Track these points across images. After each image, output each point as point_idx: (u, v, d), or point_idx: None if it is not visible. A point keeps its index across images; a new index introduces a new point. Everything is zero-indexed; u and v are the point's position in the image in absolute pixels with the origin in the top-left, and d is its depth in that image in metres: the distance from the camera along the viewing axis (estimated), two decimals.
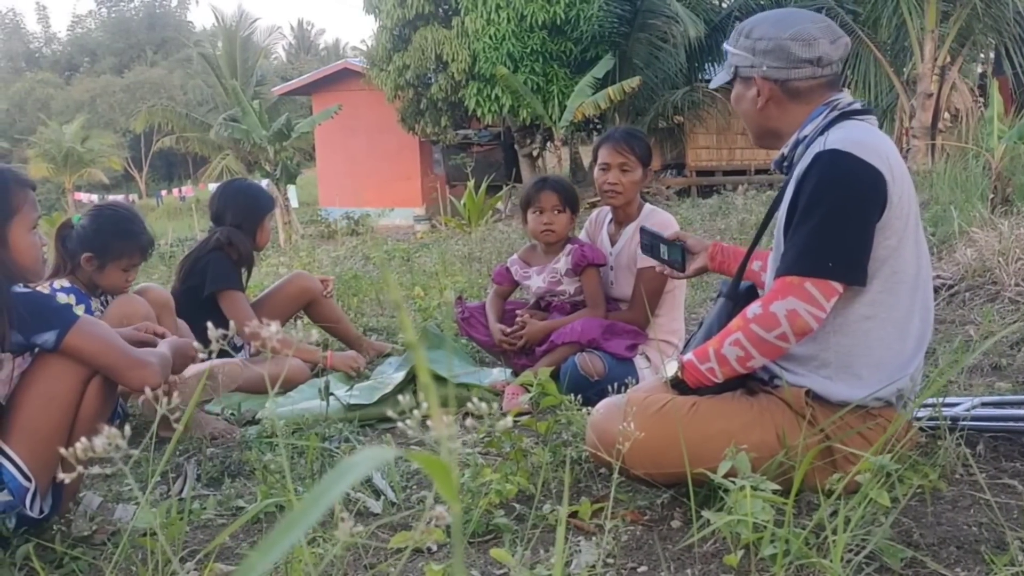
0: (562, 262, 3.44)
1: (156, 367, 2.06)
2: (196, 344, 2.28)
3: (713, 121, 18.15)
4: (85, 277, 3.03)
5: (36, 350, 1.99)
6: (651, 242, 2.84)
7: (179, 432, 1.08)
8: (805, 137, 2.07)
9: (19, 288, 1.98)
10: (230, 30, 23.76)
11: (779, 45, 2.06)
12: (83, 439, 0.91)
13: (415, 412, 0.69)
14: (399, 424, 0.74)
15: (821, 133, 2.03)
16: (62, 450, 0.95)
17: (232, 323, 1.16)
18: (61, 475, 1.01)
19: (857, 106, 2.09)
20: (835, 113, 2.06)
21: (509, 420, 0.91)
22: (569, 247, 3.45)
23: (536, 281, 3.51)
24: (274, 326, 0.96)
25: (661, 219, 3.33)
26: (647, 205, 3.41)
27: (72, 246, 3.02)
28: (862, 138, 1.97)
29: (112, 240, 3.00)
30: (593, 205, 10.67)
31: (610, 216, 3.49)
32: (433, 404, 0.53)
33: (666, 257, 2.76)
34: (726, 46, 2.22)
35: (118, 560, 1.56)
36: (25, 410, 1.96)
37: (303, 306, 4.09)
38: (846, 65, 12.66)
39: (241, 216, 3.83)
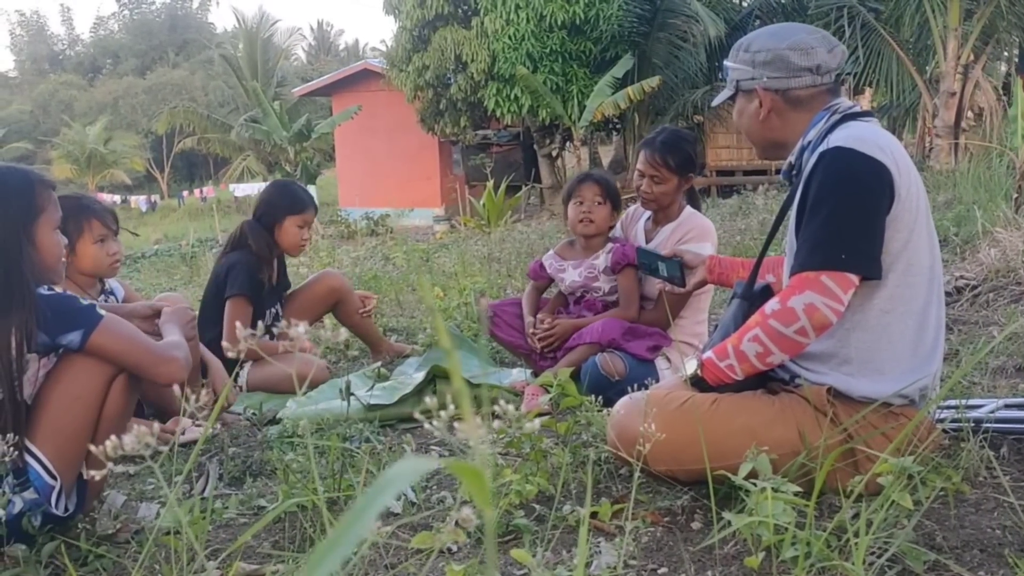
0: (601, 259, 3.42)
1: (182, 361, 2.08)
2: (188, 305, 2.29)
3: (733, 120, 18.04)
4: (75, 276, 3.02)
5: (61, 350, 2.01)
6: (648, 261, 2.88)
7: (206, 430, 1.09)
8: (810, 143, 2.11)
9: (43, 290, 2.00)
10: (251, 32, 23.91)
11: (778, 55, 2.12)
12: (112, 437, 0.92)
13: (442, 414, 0.69)
14: (425, 425, 0.74)
15: (824, 136, 2.06)
16: (92, 447, 0.96)
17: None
18: (90, 472, 1.02)
19: (857, 109, 2.13)
20: (836, 116, 2.10)
21: (537, 423, 0.91)
22: (610, 245, 3.44)
23: (572, 275, 3.48)
24: (302, 326, 0.97)
25: (698, 224, 3.32)
26: (687, 208, 3.38)
27: None
28: (863, 135, 2.00)
29: (67, 220, 2.98)
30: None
31: (647, 213, 3.48)
32: (466, 410, 0.53)
33: (665, 274, 2.82)
34: (726, 63, 2.27)
35: (144, 559, 1.58)
36: (51, 409, 1.99)
37: (332, 306, 4.09)
38: (868, 64, 12.59)
39: (263, 209, 3.85)
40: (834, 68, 2.13)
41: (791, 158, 2.17)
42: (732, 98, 2.28)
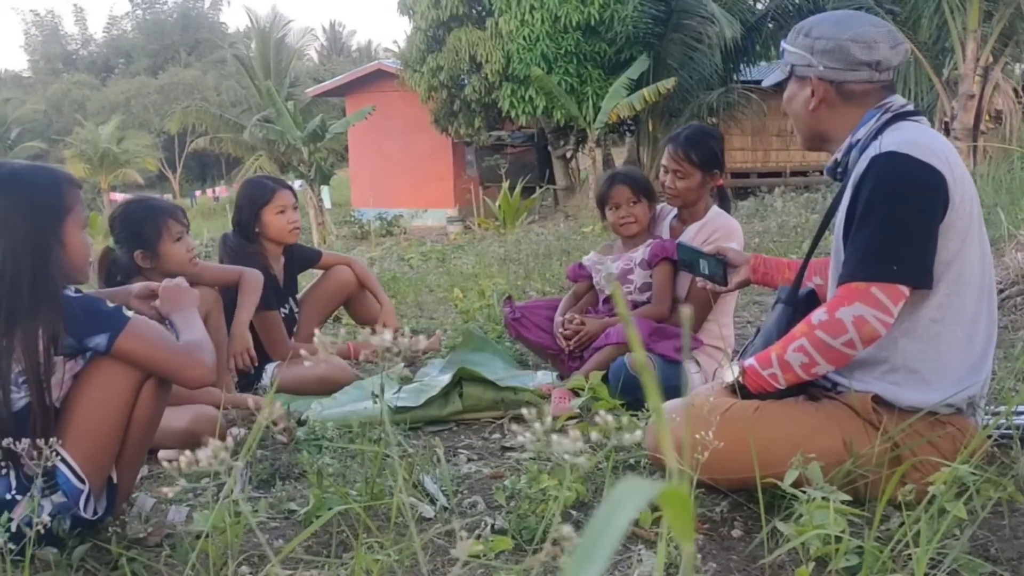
0: (640, 251, 3.39)
1: (209, 364, 2.05)
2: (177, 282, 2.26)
3: (748, 122, 18.02)
4: (153, 277, 3.01)
5: (90, 353, 1.98)
6: (690, 257, 2.80)
7: (255, 434, 1.06)
8: (859, 141, 2.04)
9: (70, 292, 1.98)
10: (264, 31, 23.90)
11: (839, 46, 2.04)
12: (187, 452, 0.88)
13: (536, 426, 0.65)
14: (519, 439, 0.71)
15: (875, 136, 1.99)
16: (166, 463, 0.93)
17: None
18: (164, 490, 0.99)
19: (910, 107, 2.06)
20: (888, 115, 2.02)
21: (580, 445, 0.86)
22: (650, 240, 3.41)
23: (608, 267, 3.46)
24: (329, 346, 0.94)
25: (724, 224, 3.28)
26: (714, 208, 3.35)
27: (124, 262, 3.01)
28: (917, 139, 1.93)
29: (143, 225, 3.00)
30: None
31: (674, 211, 3.45)
32: (664, 434, 0.48)
33: (706, 272, 2.73)
34: (784, 44, 2.18)
35: (191, 565, 1.55)
36: (80, 413, 1.96)
37: (344, 300, 4.08)
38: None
39: (238, 215, 3.78)
40: (895, 66, 2.05)
41: (837, 155, 2.10)
42: (784, 82, 2.19)
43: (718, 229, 3.26)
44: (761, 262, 2.61)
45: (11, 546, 1.60)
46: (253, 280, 3.42)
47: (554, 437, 0.78)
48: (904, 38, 2.09)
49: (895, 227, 1.88)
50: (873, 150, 1.95)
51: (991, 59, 11.62)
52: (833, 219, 2.13)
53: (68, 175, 2.10)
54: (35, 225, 1.95)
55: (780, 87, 2.24)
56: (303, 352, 1.09)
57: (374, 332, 3.22)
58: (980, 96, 11.60)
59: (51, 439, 1.76)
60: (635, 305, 3.40)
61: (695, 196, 3.29)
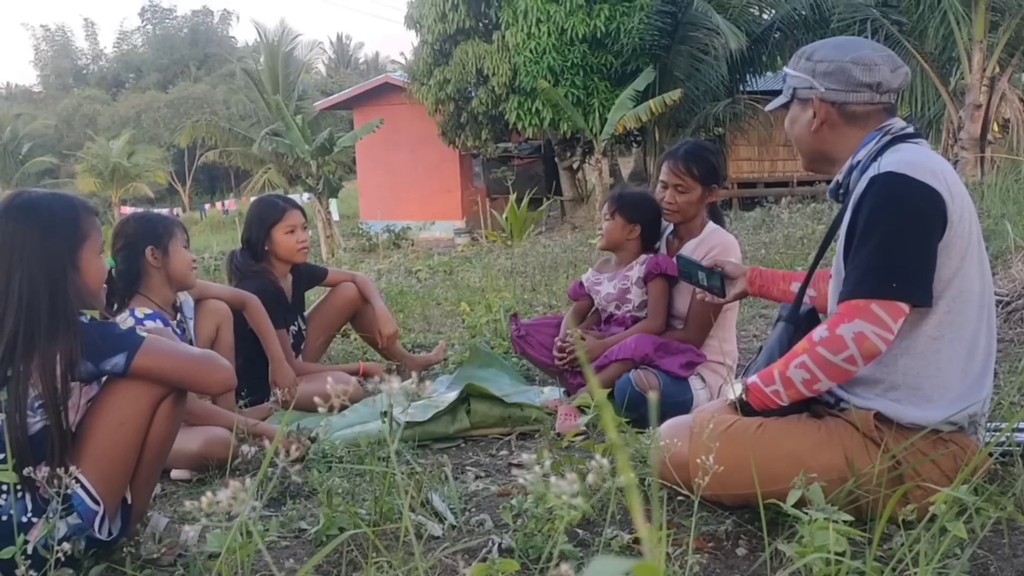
0: (635, 270, 3.40)
1: (230, 368, 2.09)
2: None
3: (755, 132, 18.06)
4: (156, 289, 3.06)
5: (105, 377, 2.01)
6: (688, 269, 2.87)
7: (269, 455, 1.09)
8: (859, 162, 2.08)
9: (83, 318, 2.01)
10: (272, 45, 24.02)
11: (840, 67, 2.08)
12: (208, 494, 0.91)
13: (536, 468, 0.69)
14: (521, 479, 0.74)
15: (874, 158, 2.03)
16: (186, 502, 0.96)
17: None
18: (187, 530, 1.02)
19: (909, 130, 2.10)
20: (887, 138, 2.06)
21: (577, 487, 0.89)
22: (644, 256, 3.42)
23: (607, 287, 3.48)
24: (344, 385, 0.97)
25: (722, 240, 3.30)
26: (710, 224, 3.36)
27: (126, 269, 3.05)
28: (916, 159, 1.97)
29: (156, 224, 3.11)
30: None
31: (669, 227, 3.47)
32: (640, 520, 0.52)
33: (705, 284, 2.81)
34: (786, 69, 2.23)
35: None
36: (95, 435, 1.99)
37: (350, 316, 4.14)
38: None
39: (248, 233, 3.82)
40: (895, 88, 2.09)
41: (839, 176, 2.14)
42: (787, 105, 2.24)
43: (716, 245, 3.28)
44: (758, 274, 2.67)
45: (32, 573, 1.62)
46: (261, 309, 3.51)
47: (552, 479, 0.81)
48: (903, 62, 2.12)
49: (894, 245, 1.91)
50: (873, 171, 1.98)
51: (998, 69, 11.63)
52: (833, 239, 2.16)
53: (84, 202, 2.14)
54: (52, 252, 1.99)
55: (783, 110, 2.28)
56: (316, 400, 1.14)
57: (382, 347, 3.23)
58: (987, 106, 11.61)
59: (69, 465, 1.79)
60: (635, 321, 3.42)
61: (694, 211, 3.30)
